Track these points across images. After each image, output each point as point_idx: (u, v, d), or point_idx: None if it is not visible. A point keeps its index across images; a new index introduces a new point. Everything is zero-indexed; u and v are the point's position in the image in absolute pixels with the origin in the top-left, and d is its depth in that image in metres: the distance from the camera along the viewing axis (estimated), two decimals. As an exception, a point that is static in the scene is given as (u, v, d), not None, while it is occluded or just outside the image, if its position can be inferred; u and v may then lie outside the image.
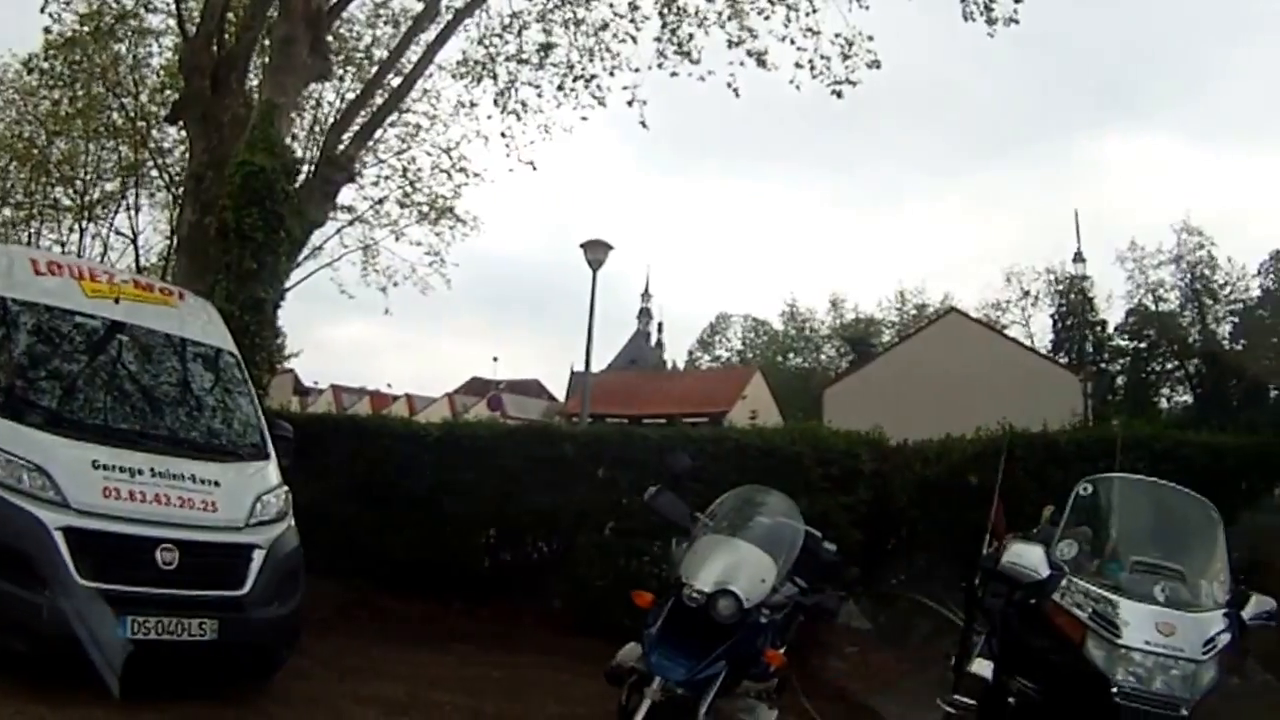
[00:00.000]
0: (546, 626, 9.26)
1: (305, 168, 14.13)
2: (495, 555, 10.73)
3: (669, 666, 4.51)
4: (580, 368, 20.29)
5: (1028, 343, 57.25)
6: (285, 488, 7.01)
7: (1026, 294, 65.15)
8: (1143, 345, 62.42)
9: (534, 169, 17.37)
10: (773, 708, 5.22)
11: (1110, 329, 64.02)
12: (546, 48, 15.41)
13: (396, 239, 21.40)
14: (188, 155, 14.85)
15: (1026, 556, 5.46)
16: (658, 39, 14.44)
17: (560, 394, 54.31)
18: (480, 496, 10.14)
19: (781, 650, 5.37)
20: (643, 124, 15.28)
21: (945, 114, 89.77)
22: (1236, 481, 8.41)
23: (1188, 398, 60.36)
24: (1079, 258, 36.28)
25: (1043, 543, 5.67)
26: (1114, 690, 4.87)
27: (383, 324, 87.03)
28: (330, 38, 14.15)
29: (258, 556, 6.41)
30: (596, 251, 18.72)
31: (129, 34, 18.40)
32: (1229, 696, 7.71)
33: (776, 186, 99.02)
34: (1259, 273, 60.65)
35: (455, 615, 9.79)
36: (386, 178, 20.64)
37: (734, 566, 4.76)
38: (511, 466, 10.06)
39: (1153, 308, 60.82)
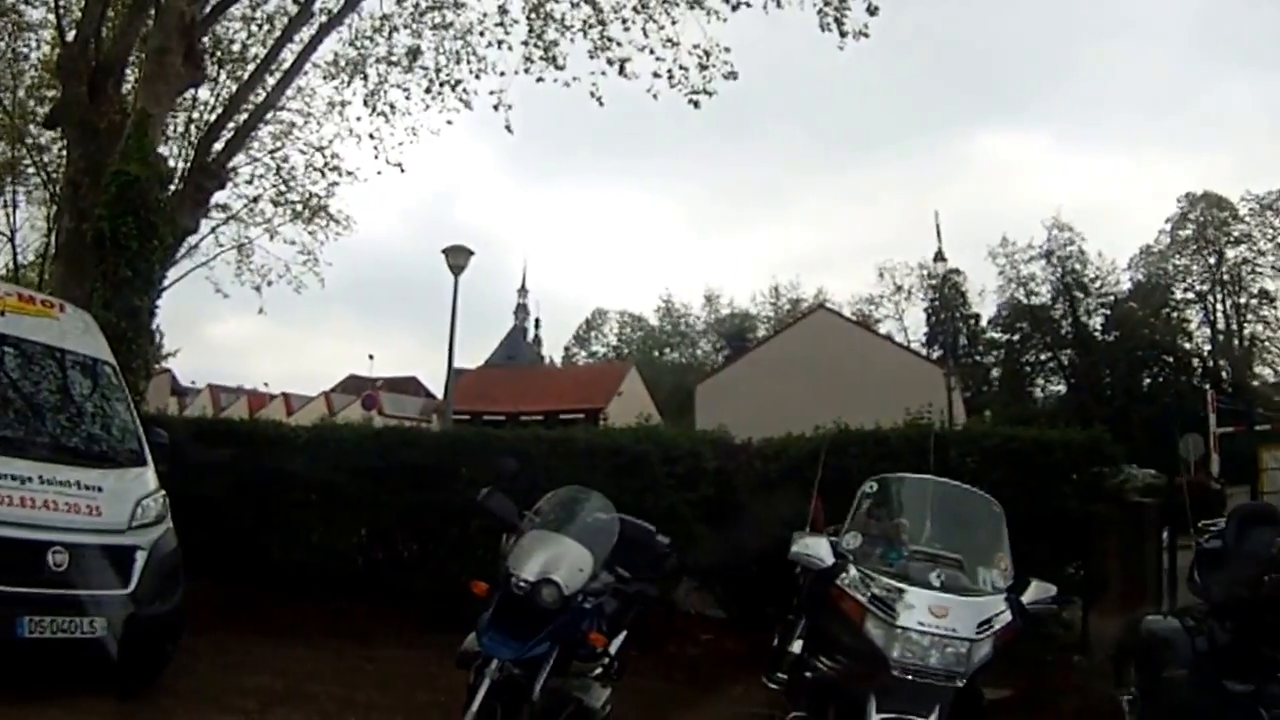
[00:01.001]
0: (418, 621, 9.43)
1: (180, 167, 14.33)
2: (369, 554, 10.90)
3: (499, 647, 5.00)
4: (456, 365, 20.50)
5: (900, 337, 59.12)
6: (163, 492, 7.34)
7: (899, 289, 67.12)
8: (1016, 338, 64.48)
9: (402, 171, 17.99)
10: (606, 686, 5.71)
11: (984, 322, 66.18)
12: (415, 52, 15.80)
13: (271, 238, 21.58)
14: (65, 159, 14.88)
15: (812, 546, 5.88)
16: (525, 43, 14.87)
17: (439, 391, 53.89)
18: (350, 498, 10.38)
19: (622, 636, 5.90)
20: (508, 128, 15.65)
21: (820, 111, 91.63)
22: (1067, 473, 8.89)
23: (1062, 388, 62.72)
24: (939, 257, 37.85)
25: (830, 534, 6.17)
26: (892, 666, 5.32)
27: (260, 322, 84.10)
28: (205, 38, 14.28)
29: (140, 557, 6.78)
30: (457, 257, 18.70)
31: (8, 28, 18.28)
32: (1075, 672, 8.47)
33: (651, 183, 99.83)
34: (1129, 266, 63.44)
35: (331, 613, 9.90)
36: (261, 176, 20.76)
37: (555, 558, 5.24)
38: (378, 468, 10.28)
39: (1025, 301, 62.86)
